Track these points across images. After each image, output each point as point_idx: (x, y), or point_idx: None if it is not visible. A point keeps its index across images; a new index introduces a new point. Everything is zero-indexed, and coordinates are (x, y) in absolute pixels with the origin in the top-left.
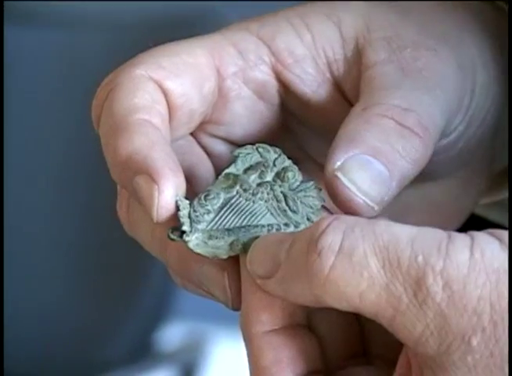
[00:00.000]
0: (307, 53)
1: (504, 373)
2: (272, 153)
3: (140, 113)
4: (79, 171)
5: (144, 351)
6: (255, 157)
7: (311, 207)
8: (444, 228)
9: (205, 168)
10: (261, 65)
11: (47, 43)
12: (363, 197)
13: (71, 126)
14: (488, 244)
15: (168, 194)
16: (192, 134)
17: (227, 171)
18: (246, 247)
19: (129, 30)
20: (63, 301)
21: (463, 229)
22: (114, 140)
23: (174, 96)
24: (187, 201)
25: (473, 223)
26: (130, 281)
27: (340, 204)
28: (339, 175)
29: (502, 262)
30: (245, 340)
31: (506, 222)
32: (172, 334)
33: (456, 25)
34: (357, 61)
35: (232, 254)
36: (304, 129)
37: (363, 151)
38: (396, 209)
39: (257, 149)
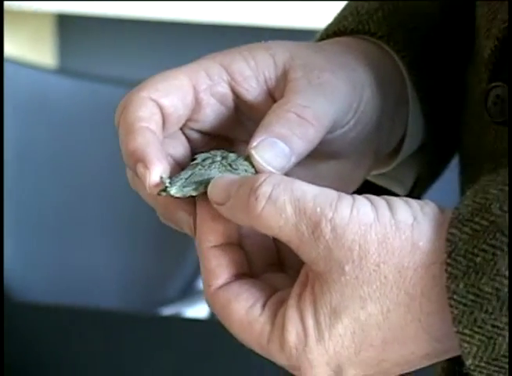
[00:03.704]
0: (251, 74)
1: (364, 290)
2: (219, 153)
3: (142, 122)
4: None
5: (189, 291)
6: (208, 156)
7: (246, 168)
8: (344, 190)
9: (186, 149)
10: (222, 83)
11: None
12: (268, 167)
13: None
14: (363, 205)
15: (155, 176)
16: (180, 128)
17: (192, 162)
18: (207, 187)
19: None
20: (136, 255)
21: (359, 191)
22: (125, 139)
23: (166, 108)
24: (168, 179)
25: (366, 186)
26: (182, 242)
27: (257, 170)
28: (253, 152)
29: (370, 218)
30: (198, 253)
31: (388, 187)
32: None
33: (352, 59)
34: (284, 78)
35: (199, 192)
36: (251, 123)
37: (272, 135)
38: (312, 178)
39: (209, 152)
